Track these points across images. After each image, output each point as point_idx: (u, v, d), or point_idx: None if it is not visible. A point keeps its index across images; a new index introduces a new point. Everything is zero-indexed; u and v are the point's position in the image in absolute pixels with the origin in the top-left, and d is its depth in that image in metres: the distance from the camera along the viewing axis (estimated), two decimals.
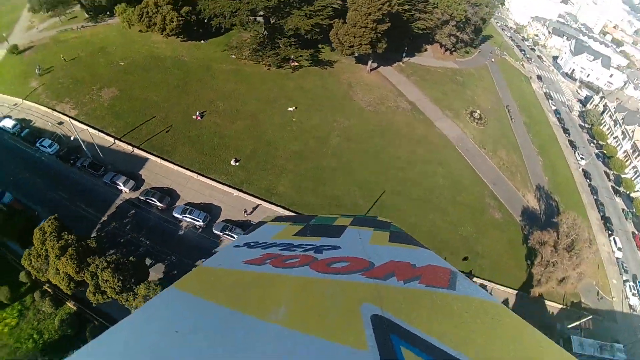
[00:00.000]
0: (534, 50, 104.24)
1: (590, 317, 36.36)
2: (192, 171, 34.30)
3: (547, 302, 36.56)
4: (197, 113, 38.85)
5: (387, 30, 48.38)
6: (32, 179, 32.52)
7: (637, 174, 60.88)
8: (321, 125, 41.18)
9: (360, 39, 42.95)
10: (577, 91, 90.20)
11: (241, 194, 33.16)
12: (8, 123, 35.67)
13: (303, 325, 0.96)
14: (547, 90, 79.33)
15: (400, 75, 54.72)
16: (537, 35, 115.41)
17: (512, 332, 0.95)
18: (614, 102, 73.77)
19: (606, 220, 50.05)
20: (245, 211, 31.97)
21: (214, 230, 30.27)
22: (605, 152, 65.90)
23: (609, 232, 48.75)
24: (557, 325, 35.54)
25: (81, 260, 22.39)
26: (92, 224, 30.17)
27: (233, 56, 46.19)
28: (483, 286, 33.21)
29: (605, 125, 72.48)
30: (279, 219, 2.27)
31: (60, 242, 22.30)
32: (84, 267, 22.19)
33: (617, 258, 45.69)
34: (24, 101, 38.80)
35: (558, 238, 37.02)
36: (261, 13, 41.92)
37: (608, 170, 62.54)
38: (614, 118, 70.88)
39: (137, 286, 22.44)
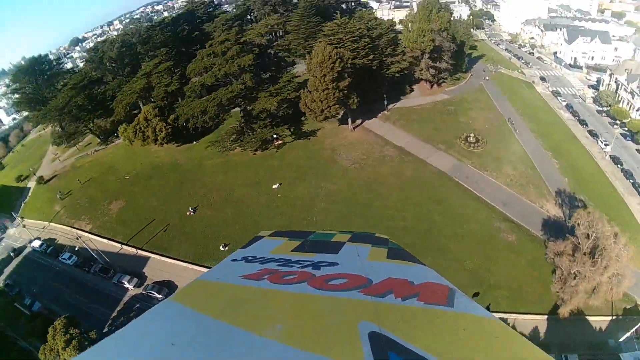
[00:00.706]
0: (533, 53, 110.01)
1: None
2: (187, 262, 42.38)
3: (591, 318, 36.10)
4: (190, 209, 47.90)
5: (359, 83, 57.71)
6: (57, 288, 42.63)
7: None
8: (305, 195, 47.97)
9: (326, 102, 50.96)
10: (586, 78, 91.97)
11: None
12: (36, 244, 47.68)
13: (300, 341, 1.05)
14: (554, 89, 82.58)
15: (385, 123, 61.72)
16: (532, 38, 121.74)
17: (510, 348, 1.03)
18: (624, 75, 74.92)
19: None
20: None
21: None
22: (630, 129, 66.07)
23: None
24: (609, 342, 34.46)
25: (83, 350, 30.42)
26: (104, 320, 38.17)
27: (219, 151, 57.36)
28: (503, 319, 34.15)
29: (623, 102, 73.08)
30: (276, 233, 2.55)
31: (66, 335, 30.78)
32: None
33: None
34: (50, 223, 51.58)
35: (579, 243, 37.71)
36: (229, 105, 53.66)
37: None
38: (629, 90, 71.40)
39: None
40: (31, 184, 60.50)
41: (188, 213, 48.11)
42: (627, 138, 65.66)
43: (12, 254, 48.63)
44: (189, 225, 46.76)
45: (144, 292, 40.20)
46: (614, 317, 36.19)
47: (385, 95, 63.51)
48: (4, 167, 72.35)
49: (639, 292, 38.21)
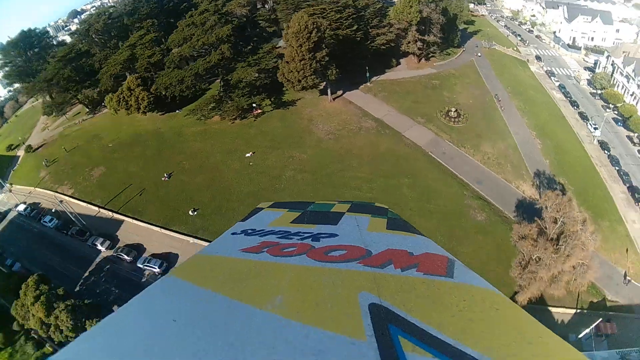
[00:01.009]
0: (532, 32, 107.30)
1: (609, 318, 34.12)
2: (157, 226, 44.52)
3: (553, 309, 35.82)
4: (165, 175, 49.65)
5: (342, 55, 57.96)
6: (37, 249, 45.17)
7: None
8: (276, 164, 48.97)
9: (303, 72, 51.25)
10: (583, 59, 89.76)
11: (197, 241, 42.30)
12: (21, 207, 50.21)
13: (300, 314, 1.06)
14: (549, 68, 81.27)
15: (366, 95, 61.65)
16: (533, 16, 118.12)
17: (510, 321, 1.04)
18: (620, 57, 73.24)
19: (635, 191, 48.95)
20: None
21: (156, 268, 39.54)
22: (623, 114, 64.84)
23: (639, 203, 47.49)
24: (569, 337, 33.34)
25: (51, 306, 32.78)
26: (76, 280, 40.62)
27: (198, 119, 58.69)
28: None
29: (618, 85, 71.88)
30: (276, 205, 2.50)
31: (36, 292, 33.14)
32: (52, 311, 32.48)
33: None
34: (36, 189, 54.20)
35: (545, 227, 37.24)
36: (207, 75, 54.68)
37: (632, 134, 61.46)
38: (624, 74, 69.91)
39: (90, 322, 31.86)
40: (20, 152, 63.25)
41: (163, 179, 49.85)
42: (619, 123, 64.79)
43: None
44: (163, 190, 48.55)
45: (114, 254, 42.40)
46: (578, 311, 35.82)
47: (367, 68, 62.88)
48: None
49: (610, 286, 37.95)
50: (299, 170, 48.25)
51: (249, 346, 0.93)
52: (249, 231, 1.96)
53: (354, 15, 61.18)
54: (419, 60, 71.72)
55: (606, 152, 56.64)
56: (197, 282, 1.33)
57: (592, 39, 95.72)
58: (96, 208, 48.34)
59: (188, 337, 0.99)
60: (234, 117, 56.36)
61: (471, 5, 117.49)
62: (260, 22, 69.11)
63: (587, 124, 63.05)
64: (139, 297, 1.25)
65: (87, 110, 69.06)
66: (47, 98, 69.42)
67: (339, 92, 61.75)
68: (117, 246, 43.43)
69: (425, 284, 1.22)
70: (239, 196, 45.74)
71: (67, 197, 50.81)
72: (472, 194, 45.53)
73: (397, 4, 68.05)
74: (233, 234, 1.96)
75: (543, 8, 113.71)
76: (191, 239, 42.19)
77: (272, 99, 58.97)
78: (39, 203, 51.73)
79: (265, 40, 66.90)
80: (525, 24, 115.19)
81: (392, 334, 0.96)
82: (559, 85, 75.18)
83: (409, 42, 68.25)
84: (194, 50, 55.04)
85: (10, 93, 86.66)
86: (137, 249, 42.65)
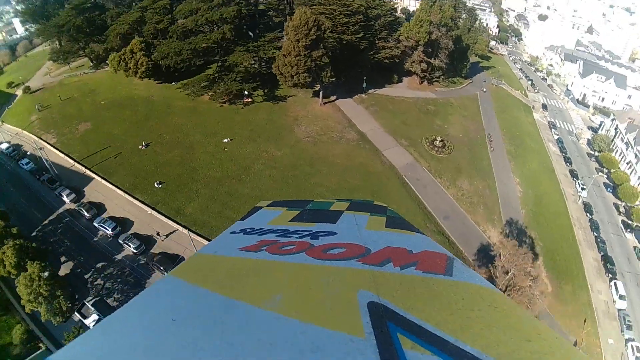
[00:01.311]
0: (545, 79, 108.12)
1: None
2: (122, 190, 46.89)
3: None
4: (143, 144, 52.05)
5: (343, 60, 59.26)
6: (6, 188, 47.91)
7: None
8: (250, 155, 50.64)
9: (296, 68, 52.40)
10: (589, 118, 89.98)
11: (154, 212, 44.60)
12: (4, 146, 53.05)
13: (299, 312, 1.08)
14: (552, 120, 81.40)
15: (358, 106, 62.69)
16: (550, 65, 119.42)
17: (509, 319, 1.06)
18: (625, 123, 73.45)
19: (607, 261, 48.84)
20: (159, 233, 42.88)
21: (118, 240, 41.90)
22: (614, 180, 65.01)
23: (610, 275, 47.48)
24: None
25: (1, 241, 35.59)
26: (36, 225, 43.06)
27: (187, 94, 59.97)
28: None
29: (617, 151, 72.28)
30: (275, 203, 2.57)
31: None
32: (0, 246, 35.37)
33: (618, 310, 43.80)
34: (23, 131, 56.92)
35: (496, 276, 38.07)
36: (205, 54, 56.36)
37: (619, 202, 61.53)
38: (625, 140, 70.22)
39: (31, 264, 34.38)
40: (19, 92, 66.12)
41: (140, 147, 52.05)
42: (609, 189, 64.87)
43: None
44: (137, 158, 50.75)
45: (76, 208, 44.92)
46: None
47: (365, 78, 63.82)
48: (2, 73, 78.55)
49: None
50: (269, 166, 50.00)
51: (249, 345, 0.95)
52: (248, 230, 2.01)
53: (363, 23, 62.05)
54: (421, 82, 72.52)
55: (588, 215, 56.63)
56: (196, 282, 1.36)
57: (603, 99, 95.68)
58: (72, 161, 50.81)
59: (188, 336, 1.01)
60: (223, 100, 58.15)
61: (492, 43, 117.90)
62: (269, 11, 70.37)
63: (575, 182, 63.17)
64: (139, 297, 1.28)
65: (91, 64, 71.48)
66: (57, 44, 72.02)
67: (332, 98, 63.08)
68: (81, 201, 45.89)
69: (424, 282, 1.25)
70: (205, 179, 47.79)
71: (48, 146, 53.27)
72: (435, 228, 46.00)
73: (410, 22, 68.72)
74: (232, 232, 2.01)
75: (561, 59, 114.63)
76: (149, 210, 44.46)
77: (265, 91, 60.59)
78: (22, 145, 54.50)
79: (270, 29, 68.27)
80: (541, 71, 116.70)
81: (391, 331, 0.98)
82: (558, 138, 75.34)
83: (414, 62, 69.06)
84: (197, 25, 56.76)
85: (26, 32, 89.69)
86: (98, 208, 45.00)
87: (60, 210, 45.50)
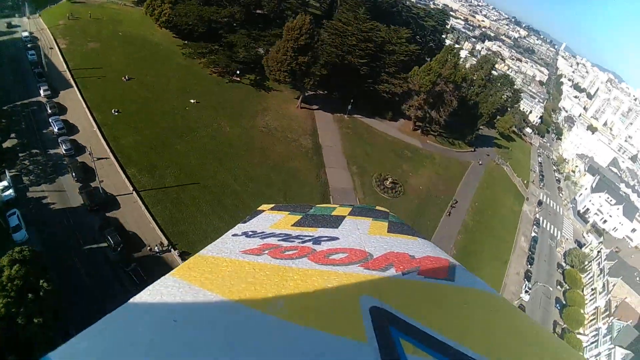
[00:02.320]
0: (559, 182, 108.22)
1: None
2: (86, 104, 56.46)
3: None
4: (126, 77, 61.48)
5: (337, 76, 64.98)
6: (7, 69, 59.50)
7: (595, 339, 58.88)
8: (201, 122, 58.00)
9: (280, 65, 59.40)
10: (582, 234, 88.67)
11: (97, 131, 53.29)
12: (25, 34, 64.88)
13: (301, 317, 1.12)
14: (539, 217, 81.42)
15: (333, 123, 68.39)
16: (572, 172, 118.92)
17: (510, 323, 1.13)
18: (609, 249, 72.85)
19: None
20: (91, 154, 50.87)
21: (58, 139, 50.51)
22: (567, 301, 65.01)
23: None
24: None
25: None
26: (10, 102, 52.84)
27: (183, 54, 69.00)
28: None
29: (589, 274, 71.58)
30: (276, 207, 2.64)
31: None
32: None
33: None
34: (47, 29, 69.24)
35: None
36: (213, 25, 65.22)
37: (561, 322, 61.80)
38: (601, 266, 69.72)
39: None
40: None
41: (123, 78, 61.74)
42: (557, 305, 64.96)
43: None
44: (114, 85, 60.10)
45: (44, 102, 54.69)
46: None
47: (352, 101, 69.72)
48: None
49: None
50: (212, 136, 57.20)
51: (250, 349, 0.98)
52: (250, 233, 2.09)
53: (371, 52, 68.15)
54: (414, 129, 76.99)
55: None
56: (197, 284, 1.41)
57: (605, 221, 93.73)
58: (65, 67, 61.41)
59: (189, 338, 1.03)
60: (215, 70, 66.82)
61: (527, 130, 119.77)
62: (288, 10, 78.63)
63: (525, 284, 63.43)
64: (138, 297, 1.29)
65: (135, 0, 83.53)
66: None
67: (314, 106, 69.63)
68: (51, 99, 55.64)
69: (426, 287, 1.32)
70: (153, 121, 55.78)
71: (57, 48, 64.55)
72: None
73: (422, 67, 73.56)
74: (234, 235, 2.07)
75: (585, 170, 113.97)
76: (95, 127, 53.29)
77: (256, 77, 68.40)
78: (39, 39, 66.20)
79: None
80: (561, 173, 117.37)
81: (394, 336, 1.01)
82: (533, 237, 75.69)
83: (411, 106, 73.89)
84: None
85: None
86: (60, 109, 54.52)
87: (33, 99, 55.43)
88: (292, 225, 2.20)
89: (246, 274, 1.51)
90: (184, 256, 41.78)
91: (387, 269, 1.45)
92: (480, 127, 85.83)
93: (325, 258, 1.60)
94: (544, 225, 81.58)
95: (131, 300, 1.26)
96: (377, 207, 2.62)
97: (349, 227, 2.07)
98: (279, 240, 1.92)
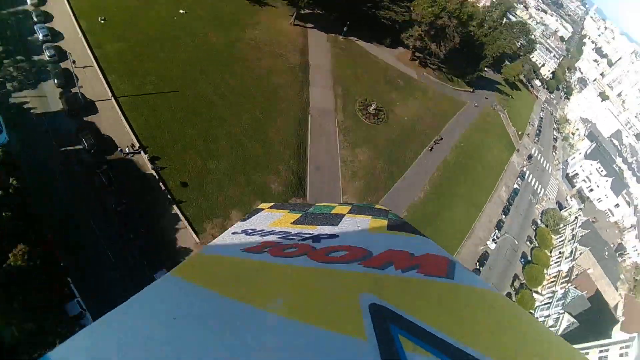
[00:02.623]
0: (555, 140, 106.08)
1: None
2: (73, 13, 56.01)
3: None
4: None
5: None
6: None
7: (549, 301, 60.10)
8: (189, 31, 57.91)
9: None
10: (566, 197, 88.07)
11: (82, 37, 53.85)
12: None
13: (301, 314, 1.15)
14: (526, 171, 79.92)
15: (326, 42, 66.89)
16: (572, 134, 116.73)
17: (510, 321, 1.14)
18: (585, 219, 72.13)
19: None
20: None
21: (42, 46, 51.90)
22: (534, 258, 65.67)
23: None
24: None
25: None
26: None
27: None
28: None
29: (560, 237, 71.63)
30: (276, 206, 2.67)
31: None
32: None
33: None
34: None
35: None
36: None
37: (521, 278, 62.64)
38: (574, 232, 69.42)
39: None
40: None
41: None
42: (522, 261, 64.75)
43: None
44: None
45: (30, 10, 55.46)
46: None
47: (348, 23, 67.19)
48: None
49: None
50: (196, 46, 57.19)
51: (250, 346, 1.00)
52: (250, 231, 2.12)
53: None
54: (412, 59, 74.48)
55: (477, 263, 57.68)
56: (198, 282, 1.43)
57: (591, 190, 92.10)
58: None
59: (188, 336, 1.05)
60: None
61: (537, 82, 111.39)
62: None
63: (494, 232, 63.27)
64: (139, 296, 1.31)
65: None
66: None
67: (308, 24, 67.50)
68: (38, 7, 55.92)
69: (426, 285, 1.34)
70: (139, 29, 55.52)
71: None
72: (295, 167, 50.26)
73: None
74: (234, 233, 2.10)
75: (584, 135, 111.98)
76: (80, 34, 54.05)
77: None
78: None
79: None
80: (560, 133, 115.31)
81: (393, 333, 1.03)
82: (515, 189, 74.38)
83: (411, 35, 70.84)
84: None
85: None
86: (46, 17, 55.03)
87: (19, 7, 55.62)
88: (291, 223, 2.22)
89: (246, 272, 1.54)
90: (154, 161, 44.07)
91: (387, 267, 1.47)
92: (485, 69, 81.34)
93: (325, 256, 1.62)
94: (529, 180, 79.83)
95: (131, 298, 1.27)
96: (377, 206, 2.60)
97: (348, 225, 2.09)
98: (278, 238, 1.94)
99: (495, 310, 1.20)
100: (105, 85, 49.25)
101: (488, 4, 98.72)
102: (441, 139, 66.29)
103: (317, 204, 2.63)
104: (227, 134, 49.72)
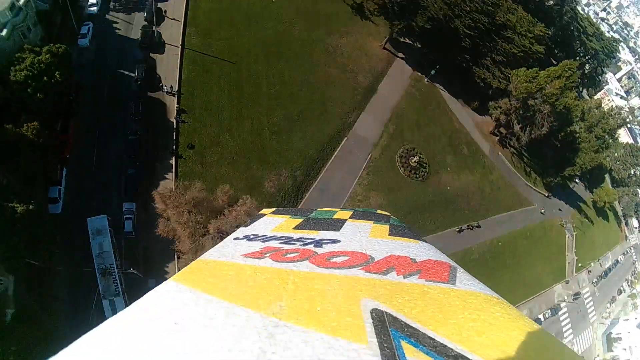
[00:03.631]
0: (619, 293, 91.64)
1: None
2: None
3: None
4: None
5: (434, 35, 61.23)
6: None
7: None
8: (278, 15, 61.94)
9: None
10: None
11: None
12: None
13: (302, 319, 1.16)
14: (563, 307, 72.16)
15: (407, 78, 65.85)
16: None
17: (512, 327, 1.13)
18: None
19: None
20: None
21: None
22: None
23: None
24: None
25: None
26: None
27: None
28: None
29: None
30: (278, 211, 2.74)
31: None
32: None
33: None
34: None
35: None
36: None
37: None
38: None
39: None
40: None
41: None
42: None
43: None
44: None
45: None
46: None
47: (437, 67, 66.14)
48: None
49: None
50: (277, 31, 61.22)
51: (250, 352, 1.00)
52: (251, 236, 2.15)
53: (483, 28, 61.93)
54: (492, 132, 70.16)
55: None
56: (198, 287, 1.45)
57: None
58: None
59: (188, 342, 1.07)
60: None
61: (634, 223, 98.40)
62: None
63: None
64: (138, 302, 1.33)
65: None
66: None
67: (399, 54, 67.87)
68: None
69: (428, 291, 1.35)
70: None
71: None
72: (289, 174, 51.84)
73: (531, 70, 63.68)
74: (235, 239, 2.14)
75: None
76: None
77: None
78: None
79: None
80: (632, 288, 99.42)
81: (395, 338, 1.05)
82: (538, 319, 66.44)
83: (498, 106, 67.06)
84: None
85: None
86: None
87: None
88: (293, 229, 2.30)
89: (247, 277, 1.58)
90: (180, 113, 49.38)
91: (388, 272, 1.51)
92: (576, 180, 73.16)
93: (327, 261, 1.67)
94: (560, 319, 71.42)
95: (131, 305, 1.32)
96: (379, 211, 2.69)
97: (350, 230, 2.17)
98: (280, 243, 2.00)
99: (497, 316, 1.20)
100: (181, 34, 55.80)
101: (611, 110, 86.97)
102: (478, 226, 61.74)
103: (318, 209, 2.71)
104: (255, 119, 53.48)
